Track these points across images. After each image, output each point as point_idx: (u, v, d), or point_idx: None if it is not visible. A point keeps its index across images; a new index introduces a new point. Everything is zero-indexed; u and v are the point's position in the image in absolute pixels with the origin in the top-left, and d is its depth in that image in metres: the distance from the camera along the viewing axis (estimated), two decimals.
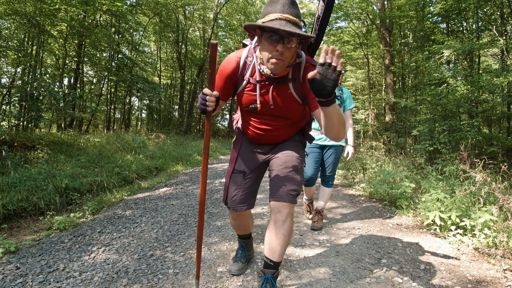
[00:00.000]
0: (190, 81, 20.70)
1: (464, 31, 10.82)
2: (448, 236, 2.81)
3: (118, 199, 4.07)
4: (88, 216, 3.41)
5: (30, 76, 8.76)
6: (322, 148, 3.10)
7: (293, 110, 1.67)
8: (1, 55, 7.68)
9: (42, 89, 7.58)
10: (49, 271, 2.11)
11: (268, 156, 1.85)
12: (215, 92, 1.46)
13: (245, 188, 1.85)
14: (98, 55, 13.03)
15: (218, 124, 24.72)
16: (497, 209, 2.49)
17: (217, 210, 3.66)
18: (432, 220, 2.97)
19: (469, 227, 2.72)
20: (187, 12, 18.23)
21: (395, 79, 11.80)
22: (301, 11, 17.66)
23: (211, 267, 2.20)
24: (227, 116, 26.37)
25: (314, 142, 3.04)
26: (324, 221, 3.25)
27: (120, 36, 14.52)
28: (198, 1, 17.36)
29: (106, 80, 15.31)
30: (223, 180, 5.43)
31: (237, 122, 1.95)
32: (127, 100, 18.20)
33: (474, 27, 10.40)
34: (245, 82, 1.63)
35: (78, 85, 13.10)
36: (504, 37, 8.80)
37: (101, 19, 13.26)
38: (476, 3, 8.81)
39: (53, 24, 9.17)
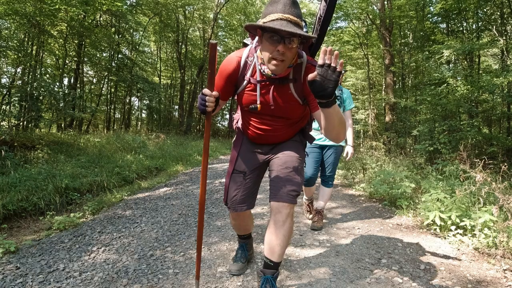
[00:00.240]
0: (190, 81, 20.71)
1: (464, 31, 10.81)
2: (448, 236, 2.81)
3: (118, 199, 4.07)
4: (88, 216, 3.41)
5: (30, 76, 8.77)
6: (322, 148, 3.10)
7: (294, 111, 1.67)
8: (1, 55, 7.68)
9: (42, 89, 7.59)
10: (49, 271, 2.11)
11: (268, 156, 1.85)
12: (214, 93, 1.45)
13: (245, 188, 1.84)
14: (98, 55, 13.03)
15: (218, 124, 24.72)
16: (497, 209, 2.49)
17: (217, 210, 3.66)
18: (432, 220, 2.97)
19: (469, 227, 2.72)
20: (187, 12, 18.24)
21: (395, 79, 11.80)
22: (301, 11, 17.64)
23: (211, 267, 2.20)
24: (227, 116, 26.32)
25: (314, 142, 3.05)
26: (324, 221, 3.25)
27: (120, 36, 14.53)
28: (198, 1, 17.36)
29: (106, 80, 15.32)
30: (223, 180, 5.43)
31: (237, 122, 1.94)
32: (127, 100, 18.20)
33: (474, 27, 10.40)
34: (245, 82, 1.63)
35: (78, 85, 13.11)
36: (504, 37, 8.80)
37: (101, 19, 13.27)
38: (476, 3, 8.81)
39: (53, 24, 9.17)
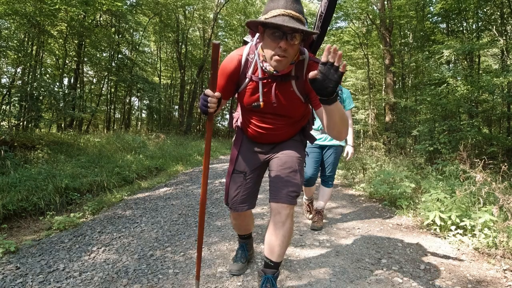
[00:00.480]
0: (190, 81, 20.71)
1: (464, 31, 10.81)
2: (448, 236, 2.81)
3: (118, 199, 4.07)
4: (88, 216, 3.41)
5: (30, 76, 8.77)
6: (322, 148, 3.10)
7: (296, 109, 1.65)
8: (1, 55, 7.68)
9: (42, 89, 7.60)
10: (49, 271, 2.11)
11: (269, 155, 1.83)
12: (217, 93, 1.43)
13: (246, 188, 1.83)
14: (98, 55, 13.03)
15: (218, 124, 24.72)
16: (497, 209, 2.49)
17: (217, 210, 3.66)
18: (432, 220, 2.97)
19: (469, 227, 2.72)
20: (187, 12, 18.24)
21: (395, 79, 11.80)
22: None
23: (211, 267, 2.20)
24: (227, 116, 26.35)
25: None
26: (324, 221, 3.25)
27: (120, 36, 14.53)
28: (198, 1, 17.37)
29: (106, 80, 15.32)
30: (223, 180, 5.44)
31: (236, 121, 1.92)
32: (127, 100, 18.21)
33: (474, 27, 10.40)
34: (247, 80, 1.60)
35: (78, 85, 13.11)
36: (504, 37, 8.80)
37: (101, 19, 13.27)
38: (476, 3, 8.81)
39: (53, 24, 9.17)
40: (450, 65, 11.25)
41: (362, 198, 4.56)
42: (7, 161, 4.64)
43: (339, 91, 3.13)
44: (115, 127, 15.91)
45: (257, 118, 1.71)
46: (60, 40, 10.66)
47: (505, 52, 8.57)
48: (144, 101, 19.63)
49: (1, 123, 7.05)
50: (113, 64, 14.26)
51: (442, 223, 2.94)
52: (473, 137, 6.62)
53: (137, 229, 2.98)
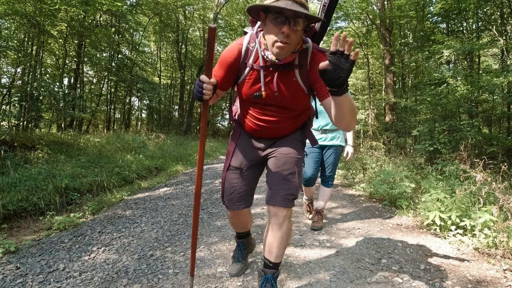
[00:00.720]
0: (190, 81, 20.71)
1: (464, 31, 10.82)
2: (448, 236, 2.81)
3: (118, 199, 4.07)
4: (88, 216, 3.41)
5: (30, 76, 8.77)
6: (322, 148, 3.10)
7: (298, 100, 1.57)
8: (1, 55, 7.68)
9: (42, 89, 7.60)
10: (49, 271, 2.11)
11: (267, 152, 1.76)
12: (212, 80, 1.37)
13: (242, 186, 1.76)
14: (98, 55, 13.04)
15: (218, 124, 24.74)
16: (497, 209, 2.49)
17: (217, 210, 3.66)
18: (432, 220, 2.97)
19: (469, 227, 2.72)
20: (187, 12, 18.25)
21: (395, 79, 11.81)
22: None
23: (211, 267, 2.20)
24: (227, 116, 26.37)
25: None
26: (324, 221, 3.25)
27: (120, 36, 14.53)
28: (198, 1, 17.38)
29: (106, 80, 15.33)
30: None
31: (235, 115, 1.85)
32: (127, 100, 18.21)
33: (474, 27, 10.40)
34: (247, 69, 1.53)
35: (78, 85, 13.11)
36: (504, 37, 8.80)
37: (101, 19, 13.27)
38: (476, 3, 8.82)
39: (53, 24, 9.18)
40: (450, 65, 11.25)
41: (362, 198, 4.56)
42: (7, 161, 4.64)
43: None
44: (115, 127, 15.92)
45: (257, 111, 1.64)
46: (60, 40, 10.66)
47: (505, 52, 8.57)
48: (144, 101, 19.65)
49: (1, 123, 7.06)
50: (113, 64, 14.27)
51: (442, 223, 2.94)
52: (473, 137, 6.63)
53: (137, 229, 2.98)
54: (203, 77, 1.36)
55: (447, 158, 5.54)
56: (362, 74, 15.19)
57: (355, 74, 15.18)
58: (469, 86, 7.40)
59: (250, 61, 1.52)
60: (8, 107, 7.93)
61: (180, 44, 18.38)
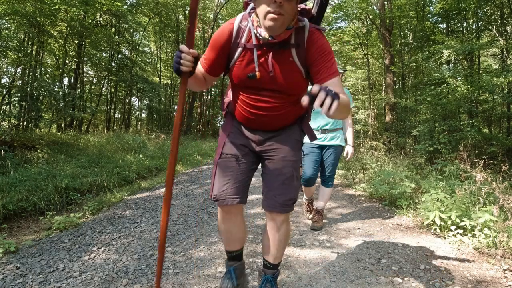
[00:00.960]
0: None
1: (464, 31, 10.82)
2: (448, 236, 2.81)
3: (118, 199, 4.07)
4: (88, 216, 3.41)
5: (30, 76, 8.77)
6: (322, 148, 3.10)
7: (295, 84, 1.43)
8: (1, 55, 7.69)
9: (42, 89, 7.60)
10: (49, 271, 2.11)
11: (262, 149, 1.58)
12: (192, 50, 1.24)
13: (238, 176, 1.55)
14: (98, 55, 13.05)
15: (218, 124, 24.70)
16: (497, 209, 2.49)
17: (217, 210, 3.66)
18: (432, 220, 2.97)
19: (469, 227, 2.72)
20: (187, 12, 18.24)
21: (395, 79, 11.81)
22: None
23: (211, 267, 2.20)
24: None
25: (313, 142, 3.04)
26: (324, 221, 3.25)
27: (120, 36, 14.54)
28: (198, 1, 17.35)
29: (106, 80, 15.33)
30: None
31: (227, 106, 1.68)
32: (127, 100, 18.21)
33: (474, 27, 10.41)
34: (240, 49, 1.40)
35: (78, 85, 13.11)
36: (504, 37, 8.80)
37: (101, 19, 13.27)
38: (476, 3, 8.81)
39: (53, 24, 9.18)
40: (450, 65, 11.25)
41: (362, 198, 4.56)
42: (7, 161, 4.64)
43: None
44: (115, 127, 15.92)
45: (251, 96, 1.47)
46: (60, 40, 10.66)
47: (505, 52, 8.57)
48: (144, 101, 19.64)
49: (1, 123, 7.06)
50: (113, 64, 14.27)
51: (442, 223, 2.94)
52: (473, 137, 6.63)
53: (137, 229, 2.98)
54: (182, 47, 1.24)
55: (447, 158, 5.54)
56: (362, 74, 15.19)
57: (355, 74, 15.18)
58: (469, 86, 7.40)
59: (243, 40, 1.40)
60: (8, 107, 7.94)
61: (180, 44, 18.37)
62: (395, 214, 3.67)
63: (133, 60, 15.44)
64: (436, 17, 11.61)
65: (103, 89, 16.12)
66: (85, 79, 15.34)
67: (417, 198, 3.83)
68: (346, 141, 3.22)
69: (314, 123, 3.00)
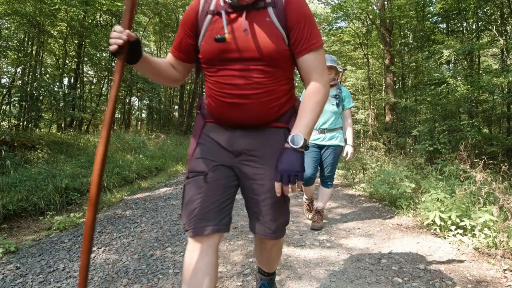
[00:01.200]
0: (190, 81, 20.70)
1: (464, 31, 10.82)
2: (448, 236, 2.81)
3: (118, 199, 4.07)
4: None
5: (30, 76, 8.78)
6: (321, 147, 3.09)
7: (276, 49, 1.15)
8: (1, 55, 7.69)
9: (42, 89, 7.61)
10: (49, 271, 2.11)
11: (240, 160, 1.26)
12: (127, 31, 1.13)
13: (209, 197, 1.20)
14: (98, 55, 13.05)
15: None
16: (497, 209, 2.49)
17: None
18: (432, 220, 2.97)
19: (469, 227, 2.72)
20: None
21: (395, 79, 11.81)
22: None
23: None
24: None
25: (312, 141, 3.04)
26: (324, 221, 3.25)
27: None
28: None
29: (106, 80, 15.33)
30: None
31: (199, 108, 1.38)
32: (127, 100, 18.21)
33: (474, 27, 10.41)
34: (208, 17, 1.19)
35: (78, 85, 13.11)
36: (504, 37, 8.80)
37: (101, 19, 13.27)
38: (476, 3, 8.82)
39: (53, 24, 9.18)
40: (450, 65, 11.26)
41: (362, 198, 4.56)
42: (7, 161, 4.64)
43: (338, 90, 3.12)
44: (115, 127, 15.91)
45: (224, 75, 1.18)
46: (60, 40, 10.66)
47: (505, 52, 8.57)
48: (144, 101, 19.63)
49: (1, 123, 7.06)
50: (113, 64, 14.27)
51: (442, 223, 2.94)
52: (473, 137, 6.63)
53: (137, 229, 2.98)
54: (116, 27, 1.14)
55: (447, 158, 5.54)
56: (362, 74, 15.19)
57: (355, 74, 15.18)
58: (469, 86, 7.40)
59: (211, 7, 1.20)
60: (8, 107, 7.94)
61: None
62: (395, 214, 3.67)
63: None
64: (436, 17, 11.63)
65: (103, 89, 16.11)
66: (85, 79, 15.33)
67: (417, 198, 3.83)
68: (345, 141, 3.22)
69: None
